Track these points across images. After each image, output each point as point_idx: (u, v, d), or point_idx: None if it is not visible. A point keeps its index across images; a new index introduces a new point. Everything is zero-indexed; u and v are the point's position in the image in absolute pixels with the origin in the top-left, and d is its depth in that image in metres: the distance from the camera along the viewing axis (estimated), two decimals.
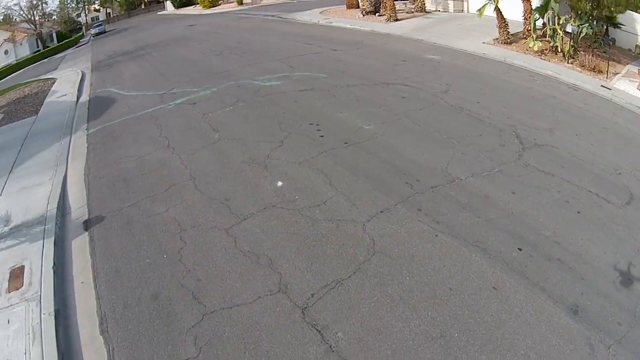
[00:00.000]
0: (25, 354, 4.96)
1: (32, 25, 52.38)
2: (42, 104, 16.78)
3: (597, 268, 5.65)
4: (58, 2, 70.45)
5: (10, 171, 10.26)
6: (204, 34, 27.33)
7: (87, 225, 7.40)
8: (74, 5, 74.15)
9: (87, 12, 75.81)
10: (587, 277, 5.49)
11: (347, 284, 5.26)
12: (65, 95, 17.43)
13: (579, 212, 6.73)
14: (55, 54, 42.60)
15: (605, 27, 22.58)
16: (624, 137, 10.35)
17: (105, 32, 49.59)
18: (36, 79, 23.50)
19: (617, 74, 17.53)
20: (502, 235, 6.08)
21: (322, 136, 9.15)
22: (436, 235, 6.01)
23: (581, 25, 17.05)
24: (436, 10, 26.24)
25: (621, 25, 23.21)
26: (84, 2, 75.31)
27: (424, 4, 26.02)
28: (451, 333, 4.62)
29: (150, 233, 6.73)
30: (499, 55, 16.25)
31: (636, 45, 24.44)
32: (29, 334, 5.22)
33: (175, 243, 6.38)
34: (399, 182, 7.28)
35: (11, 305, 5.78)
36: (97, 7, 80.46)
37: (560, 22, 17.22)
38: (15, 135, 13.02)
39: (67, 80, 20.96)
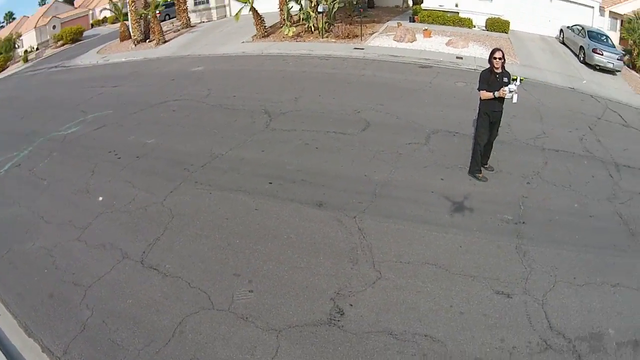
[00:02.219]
0: None
1: None
2: None
3: (335, 177, 8.08)
4: None
5: None
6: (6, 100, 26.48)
7: None
8: None
9: None
10: (327, 184, 7.83)
11: (162, 238, 6.98)
12: None
13: (317, 148, 9.11)
14: None
15: None
16: (369, 83, 13.33)
17: None
18: None
19: (375, 33, 21.05)
20: (257, 178, 8.20)
21: (119, 157, 10.69)
22: (210, 193, 7.98)
23: (333, 2, 19.99)
24: (201, 22, 27.86)
25: None
26: None
27: (189, 18, 27.45)
28: (234, 242, 6.63)
29: None
30: (256, 50, 18.25)
31: (403, 1, 28.53)
32: None
33: None
34: (179, 169, 9.11)
35: None
36: None
37: (313, 4, 20.04)
38: None
39: None
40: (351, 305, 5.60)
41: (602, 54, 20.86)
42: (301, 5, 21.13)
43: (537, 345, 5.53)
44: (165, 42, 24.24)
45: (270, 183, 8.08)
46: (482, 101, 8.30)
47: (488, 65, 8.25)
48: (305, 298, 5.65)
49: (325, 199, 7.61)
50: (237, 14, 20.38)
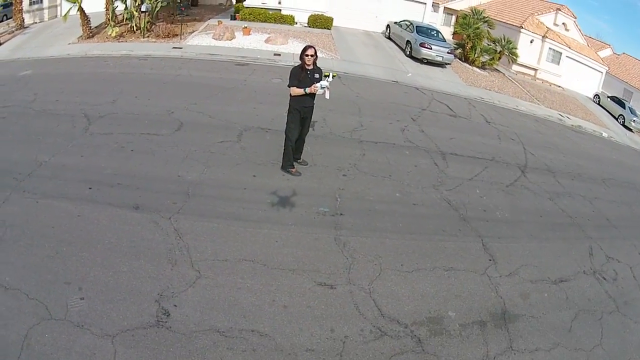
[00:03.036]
0: None
1: None
2: None
3: (150, 179, 8.29)
4: None
5: None
6: None
7: None
8: None
9: None
10: (142, 187, 8.07)
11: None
12: None
13: (132, 150, 9.48)
14: None
15: None
16: (184, 83, 13.98)
17: None
18: None
19: (195, 31, 21.51)
20: (78, 184, 8.26)
21: None
22: (37, 202, 7.73)
23: (156, 1, 20.11)
24: (34, 23, 25.96)
25: None
26: None
27: (23, 19, 25.71)
28: (62, 250, 6.55)
29: None
30: (81, 52, 17.89)
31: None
32: None
33: None
34: (9, 179, 8.58)
35: None
36: None
37: (137, 4, 19.85)
38: None
39: None
40: (175, 305, 5.70)
41: (431, 48, 22.81)
42: (126, 5, 20.95)
43: (371, 332, 5.75)
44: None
45: (90, 188, 8.21)
46: (293, 97, 8.35)
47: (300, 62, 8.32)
48: (132, 302, 5.71)
49: (141, 201, 7.76)
50: (65, 14, 19.67)
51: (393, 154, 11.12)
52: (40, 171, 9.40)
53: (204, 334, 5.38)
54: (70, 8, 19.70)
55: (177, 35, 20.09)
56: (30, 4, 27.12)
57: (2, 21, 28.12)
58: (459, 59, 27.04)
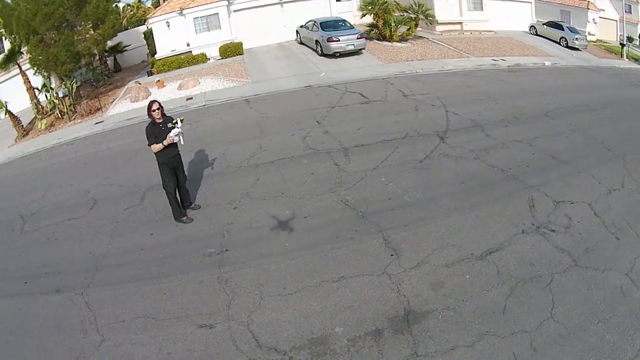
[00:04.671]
0: None
1: None
2: None
3: (68, 262, 8.93)
4: None
5: None
6: None
7: None
8: None
9: None
10: (62, 271, 8.65)
11: None
12: None
13: (56, 239, 10.24)
14: None
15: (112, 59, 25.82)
16: (102, 159, 14.65)
17: None
18: None
19: (115, 99, 21.58)
20: (17, 281, 8.95)
21: None
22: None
23: (64, 83, 20.68)
24: None
25: (126, 47, 27.48)
26: None
27: None
28: None
29: None
30: (19, 152, 18.35)
31: (147, 54, 29.08)
32: None
33: None
34: None
35: None
36: None
37: (55, 92, 20.63)
38: None
39: None
40: None
41: (339, 40, 22.92)
42: (46, 95, 21.82)
43: None
44: None
45: (26, 282, 8.61)
46: (157, 153, 8.66)
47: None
48: None
49: (62, 284, 8.38)
50: None
51: (289, 169, 11.01)
52: None
53: None
54: None
55: (99, 109, 20.92)
56: None
57: None
58: (377, 40, 27.30)
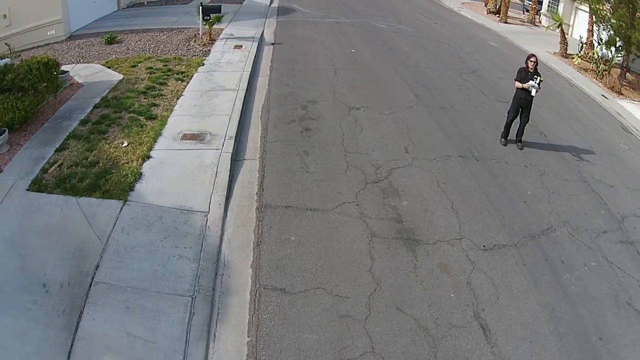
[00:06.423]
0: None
1: None
2: (243, 1, 25.66)
3: None
4: None
5: (230, 22, 20.36)
6: None
7: (272, 43, 18.19)
8: None
9: None
10: None
11: None
12: (260, 1, 26.26)
13: None
14: None
15: None
16: None
17: None
18: None
19: None
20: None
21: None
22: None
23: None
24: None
25: None
26: None
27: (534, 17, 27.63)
28: None
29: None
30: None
31: None
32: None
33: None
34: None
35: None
36: None
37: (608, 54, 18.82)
38: (229, 10, 21.32)
39: None
40: None
41: None
42: (597, 51, 19.62)
43: None
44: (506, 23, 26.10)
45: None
46: (516, 89, 10.52)
47: None
48: None
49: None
50: (548, 26, 22.18)
51: None
52: None
53: None
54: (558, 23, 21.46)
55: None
56: None
57: None
58: None
